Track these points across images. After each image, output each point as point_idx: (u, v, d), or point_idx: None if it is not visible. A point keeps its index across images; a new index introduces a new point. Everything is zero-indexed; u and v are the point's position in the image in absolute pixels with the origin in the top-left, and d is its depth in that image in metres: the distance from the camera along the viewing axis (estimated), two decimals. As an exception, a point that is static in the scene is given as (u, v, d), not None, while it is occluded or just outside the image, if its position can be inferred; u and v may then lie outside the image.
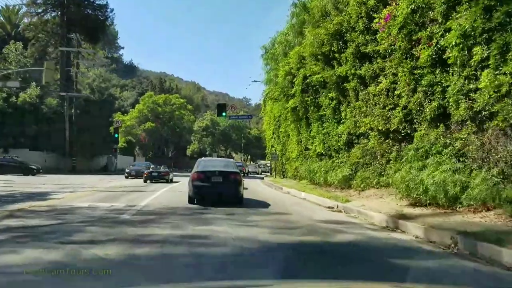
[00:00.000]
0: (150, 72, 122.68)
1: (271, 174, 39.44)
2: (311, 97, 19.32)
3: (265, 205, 13.04)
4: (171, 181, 27.17)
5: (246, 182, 19.75)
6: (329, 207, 12.60)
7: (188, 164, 73.27)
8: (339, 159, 17.41)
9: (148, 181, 25.86)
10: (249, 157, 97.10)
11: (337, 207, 12.20)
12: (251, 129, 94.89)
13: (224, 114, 38.63)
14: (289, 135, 27.52)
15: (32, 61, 44.42)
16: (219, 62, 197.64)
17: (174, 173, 31.68)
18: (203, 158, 18.42)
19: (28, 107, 40.52)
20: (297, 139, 24.10)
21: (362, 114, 14.48)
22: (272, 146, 32.01)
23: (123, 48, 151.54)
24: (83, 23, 45.34)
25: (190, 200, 12.32)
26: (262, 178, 36.43)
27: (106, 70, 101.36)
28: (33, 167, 33.29)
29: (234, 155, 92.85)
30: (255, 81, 42.66)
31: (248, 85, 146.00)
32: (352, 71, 14.51)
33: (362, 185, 14.44)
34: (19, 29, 52.80)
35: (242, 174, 15.93)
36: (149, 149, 59.81)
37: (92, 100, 48.63)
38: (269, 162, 76.75)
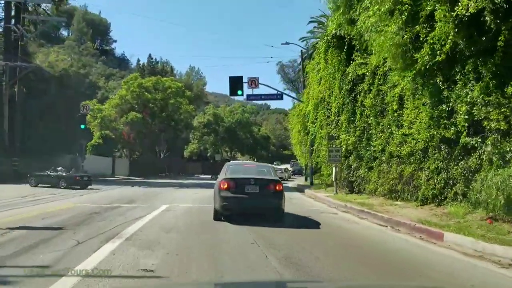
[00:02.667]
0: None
1: (312, 184, 25.77)
2: None
3: None
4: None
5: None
6: None
7: (186, 169, 59.59)
8: None
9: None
10: (255, 160, 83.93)
11: None
12: (261, 126, 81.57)
13: (240, 92, 25.40)
14: (381, 112, 14.02)
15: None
16: (218, 62, 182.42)
17: (165, 180, 20.89)
18: (231, 161, 13.88)
19: None
20: (429, 112, 10.62)
21: None
22: (331, 138, 18.38)
23: (115, 41, 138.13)
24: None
25: (216, 216, 9.61)
26: (302, 191, 22.97)
27: (95, 61, 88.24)
28: None
29: (240, 157, 79.46)
30: (287, 43, 28.34)
31: (270, 58, 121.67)
32: None
33: None
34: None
35: None
36: (135, 148, 46.13)
37: (54, 80, 35.03)
38: (288, 165, 63.23)
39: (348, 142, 16.40)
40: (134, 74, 46.62)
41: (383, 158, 14.12)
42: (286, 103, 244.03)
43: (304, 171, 33.76)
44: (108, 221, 9.12)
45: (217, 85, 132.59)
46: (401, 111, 12.53)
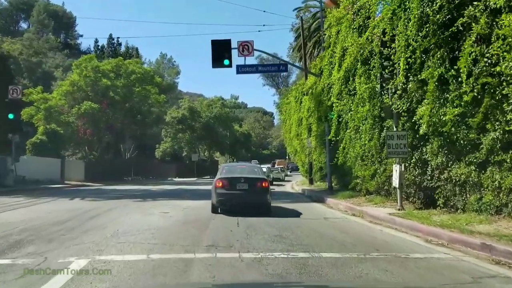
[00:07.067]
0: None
1: (331, 189, 18.11)
2: None
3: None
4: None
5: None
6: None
7: (158, 171, 51.10)
8: None
9: None
10: (234, 160, 76.54)
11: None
12: (242, 122, 74.02)
13: (226, 62, 17.95)
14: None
15: None
16: (192, 61, 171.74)
17: (128, 187, 21.37)
18: (227, 163, 16.23)
19: None
20: None
21: None
22: (390, 116, 10.90)
23: (82, 36, 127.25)
24: None
25: (214, 209, 11.37)
26: (319, 200, 15.65)
27: (54, 53, 78.61)
28: None
29: (219, 157, 71.83)
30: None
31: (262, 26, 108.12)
32: None
33: None
34: None
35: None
36: (93, 146, 37.68)
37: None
38: (270, 165, 55.77)
39: (441, 118, 9.01)
40: (89, 55, 38.09)
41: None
42: (265, 102, 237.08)
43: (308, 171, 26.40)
44: None
45: (191, 84, 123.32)
46: None
